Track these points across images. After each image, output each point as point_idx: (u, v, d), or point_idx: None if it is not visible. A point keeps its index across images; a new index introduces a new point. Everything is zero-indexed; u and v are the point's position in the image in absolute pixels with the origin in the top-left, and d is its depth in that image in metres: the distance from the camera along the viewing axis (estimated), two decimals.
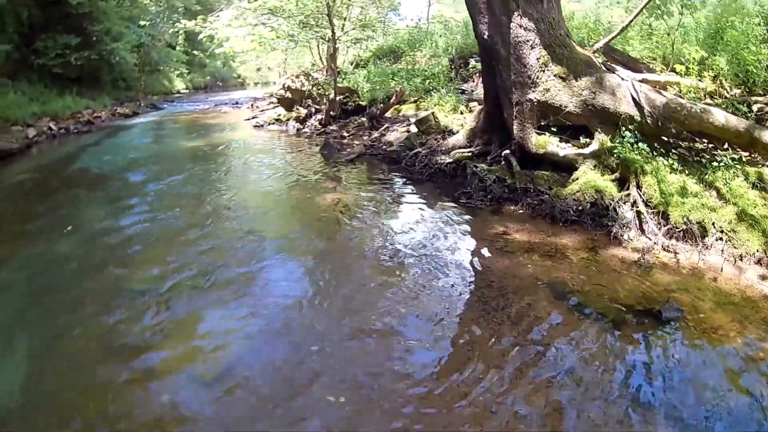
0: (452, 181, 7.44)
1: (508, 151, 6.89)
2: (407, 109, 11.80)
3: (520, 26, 6.68)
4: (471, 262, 4.75)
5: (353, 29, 15.51)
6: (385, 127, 10.44)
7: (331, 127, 12.65)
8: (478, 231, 5.55)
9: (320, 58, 18.90)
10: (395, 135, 9.75)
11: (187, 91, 31.27)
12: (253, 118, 16.61)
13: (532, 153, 6.71)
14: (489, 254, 4.91)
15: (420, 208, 6.46)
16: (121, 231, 5.89)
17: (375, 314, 3.81)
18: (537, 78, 6.66)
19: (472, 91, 12.01)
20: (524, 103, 6.75)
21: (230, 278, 4.49)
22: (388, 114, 11.64)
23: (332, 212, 6.34)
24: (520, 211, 6.08)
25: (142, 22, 24.11)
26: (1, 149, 12.03)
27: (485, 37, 7.13)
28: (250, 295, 4.23)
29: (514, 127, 6.87)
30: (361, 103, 13.28)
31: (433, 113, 9.04)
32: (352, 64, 18.98)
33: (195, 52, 33.69)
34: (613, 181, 5.85)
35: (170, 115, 20.69)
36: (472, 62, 13.05)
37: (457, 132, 8.55)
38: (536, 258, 4.78)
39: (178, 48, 30.90)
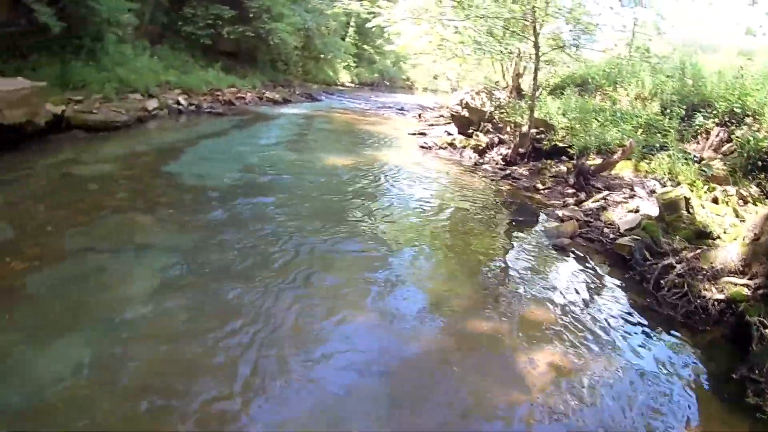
0: (718, 330, 4.89)
1: None
2: (621, 168, 9.46)
3: None
4: None
5: (553, 48, 13.18)
6: (602, 196, 8.16)
7: (519, 170, 10.66)
8: None
9: (503, 76, 16.73)
10: (620, 213, 7.53)
11: (352, 85, 30.59)
12: (420, 134, 15.02)
13: None
14: None
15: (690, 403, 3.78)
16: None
17: None
18: None
19: (700, 158, 9.20)
20: None
21: None
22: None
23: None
24: None
25: (309, 6, 23.31)
26: (99, 121, 10.28)
27: None
28: None
29: None
30: (558, 143, 11.10)
31: (685, 197, 6.69)
32: (537, 90, 16.56)
33: (365, 46, 32.93)
34: None
35: (325, 110, 19.28)
36: (700, 118, 10.20)
37: (718, 239, 6.22)
38: None
39: (347, 39, 30.18)
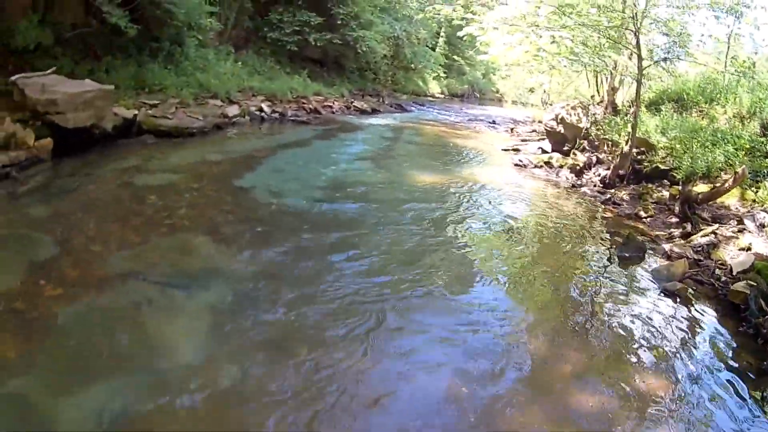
0: None
1: None
2: (726, 196, 9.18)
3: None
4: None
5: (655, 61, 12.90)
6: (712, 230, 8.06)
7: (619, 194, 10.66)
8: None
9: (597, 90, 16.49)
10: (732, 252, 7.45)
11: (442, 96, 31.05)
12: (514, 150, 15.17)
13: None
14: None
15: None
16: None
17: None
18: None
19: None
20: None
21: None
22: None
23: None
24: None
25: (398, 15, 23.45)
26: (172, 127, 9.98)
27: None
28: None
29: None
30: (659, 165, 10.98)
31: None
32: (630, 106, 15.84)
33: (455, 57, 33.26)
34: None
35: (414, 121, 19.07)
36: None
37: None
38: None
39: (438, 50, 30.56)
